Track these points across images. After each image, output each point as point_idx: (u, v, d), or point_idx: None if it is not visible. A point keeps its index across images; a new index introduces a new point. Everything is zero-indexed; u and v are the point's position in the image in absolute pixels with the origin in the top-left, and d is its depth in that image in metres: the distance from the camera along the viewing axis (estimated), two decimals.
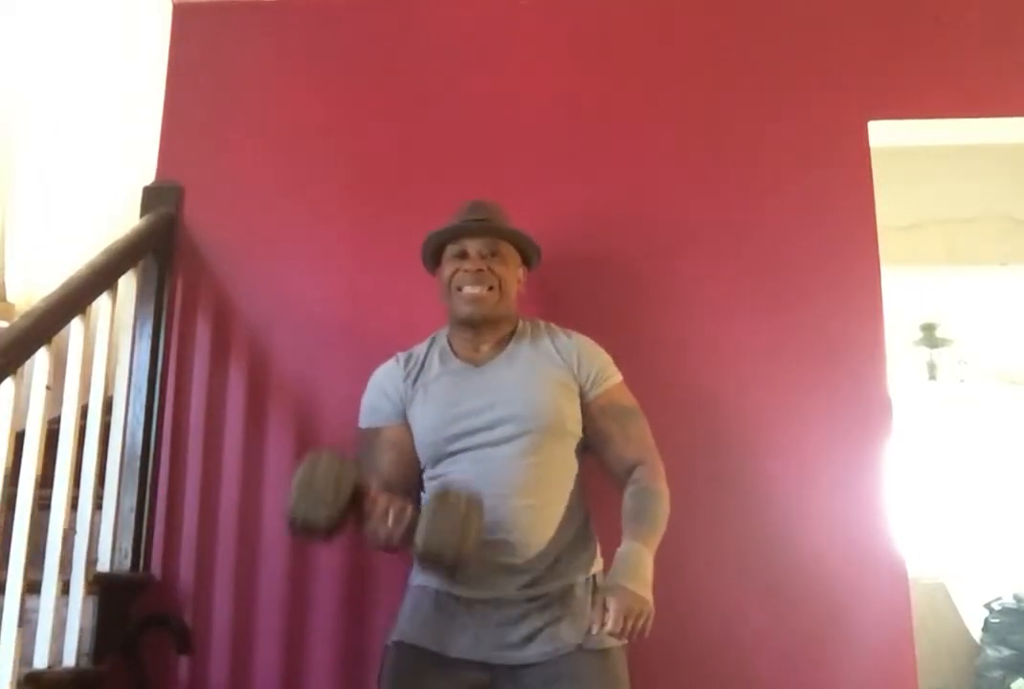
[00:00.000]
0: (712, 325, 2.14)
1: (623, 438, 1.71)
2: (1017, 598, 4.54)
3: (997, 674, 4.43)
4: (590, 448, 1.75)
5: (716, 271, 2.17)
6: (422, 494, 1.73)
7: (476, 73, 2.34)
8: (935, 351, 5.26)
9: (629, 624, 1.44)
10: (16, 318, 2.01)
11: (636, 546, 1.56)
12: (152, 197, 2.28)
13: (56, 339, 1.76)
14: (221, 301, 2.23)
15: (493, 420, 1.66)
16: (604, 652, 1.58)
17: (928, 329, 5.17)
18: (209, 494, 2.11)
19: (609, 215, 2.23)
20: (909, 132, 2.33)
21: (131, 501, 2.05)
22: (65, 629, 1.80)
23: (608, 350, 1.81)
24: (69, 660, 1.80)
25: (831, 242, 2.17)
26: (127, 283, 2.09)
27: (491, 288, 1.74)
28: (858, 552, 1.99)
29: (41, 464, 1.71)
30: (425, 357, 1.79)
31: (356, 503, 1.45)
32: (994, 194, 3.09)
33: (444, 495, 1.45)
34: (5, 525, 1.62)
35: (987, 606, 4.62)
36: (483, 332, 1.76)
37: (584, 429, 1.73)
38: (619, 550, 1.56)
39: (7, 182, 2.94)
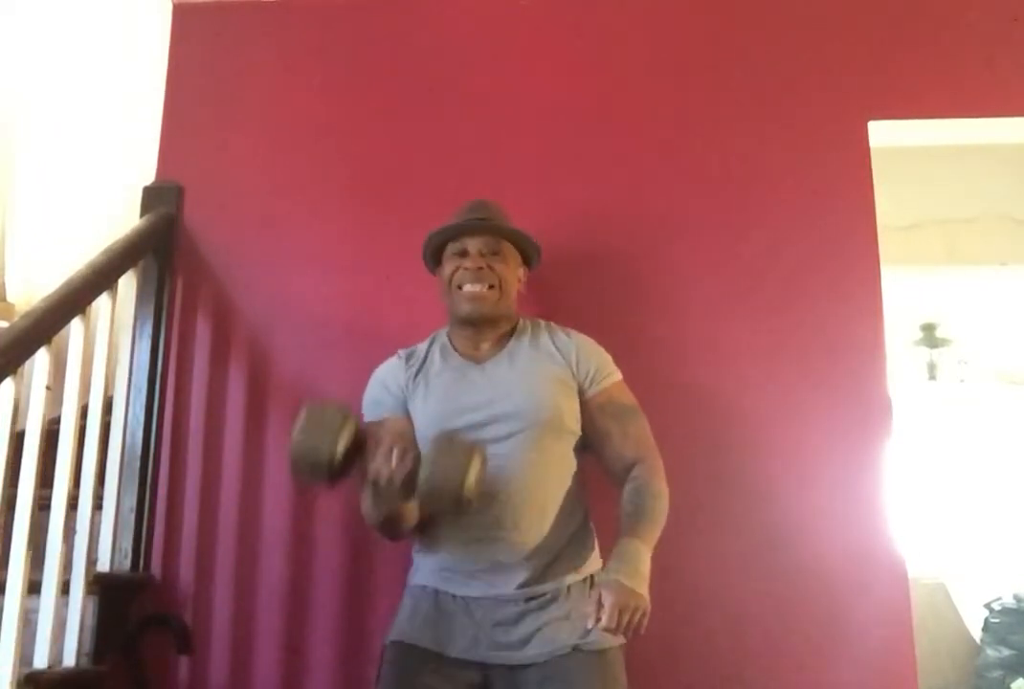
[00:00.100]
0: (712, 325, 2.14)
1: (622, 436, 1.71)
2: (1017, 598, 4.54)
3: (997, 674, 4.42)
4: (589, 447, 1.75)
5: (716, 271, 2.17)
6: None
7: (476, 73, 2.34)
8: (935, 351, 5.26)
9: (624, 620, 1.43)
10: (16, 318, 2.01)
11: (633, 542, 1.55)
12: (152, 197, 2.28)
13: (56, 339, 1.76)
14: (221, 301, 2.23)
15: (492, 416, 1.66)
16: (601, 653, 1.58)
17: (928, 329, 5.18)
18: (209, 494, 2.11)
19: (609, 215, 2.23)
20: (909, 132, 2.33)
21: (131, 501, 2.05)
22: (65, 629, 1.80)
23: (608, 350, 1.81)
24: (69, 660, 1.80)
25: (831, 242, 2.17)
26: (127, 283, 2.09)
27: (491, 286, 1.74)
28: (858, 552, 1.99)
29: (41, 464, 1.70)
30: (427, 353, 1.79)
31: (359, 446, 1.46)
32: (994, 194, 3.09)
33: (446, 437, 1.48)
34: (5, 525, 1.62)
35: (987, 606, 4.62)
36: (483, 330, 1.77)
37: (583, 427, 1.73)
38: (616, 545, 1.56)
39: (7, 182, 2.94)
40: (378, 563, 2.02)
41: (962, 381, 5.29)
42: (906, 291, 3.75)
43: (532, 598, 1.61)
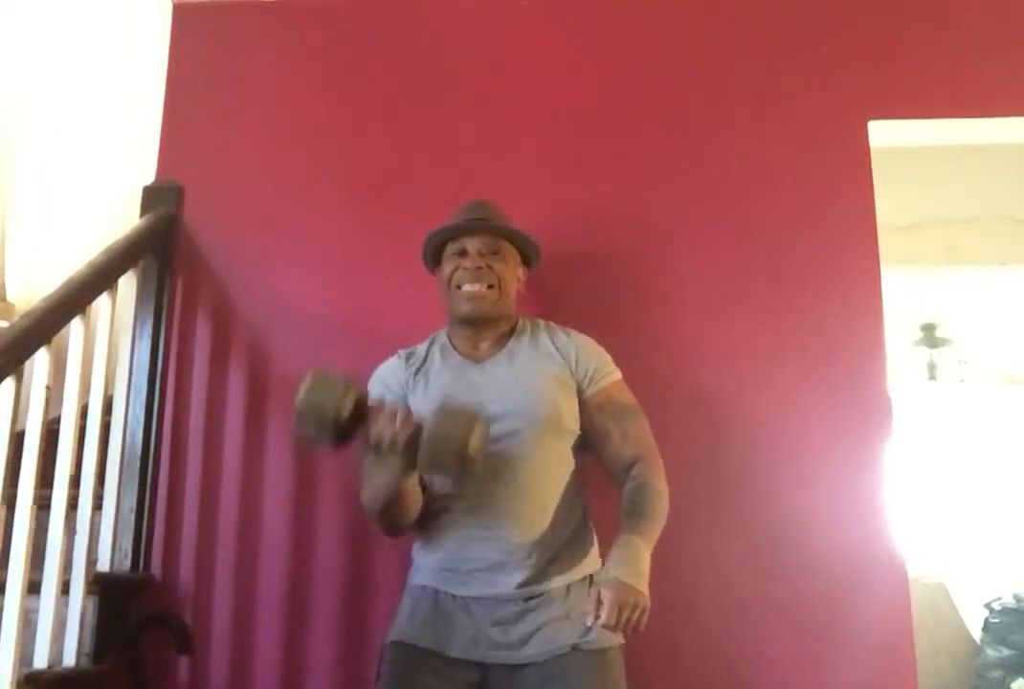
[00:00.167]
0: (712, 325, 2.14)
1: (621, 435, 1.71)
2: (1017, 598, 4.54)
3: (997, 674, 4.42)
4: (589, 446, 1.75)
5: (716, 271, 2.17)
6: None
7: (476, 73, 2.34)
8: (935, 351, 5.26)
9: (624, 617, 1.43)
10: (16, 318, 2.01)
11: (634, 539, 1.55)
12: (152, 197, 2.28)
13: (56, 339, 1.76)
14: (221, 301, 2.23)
15: (492, 416, 1.65)
16: (601, 652, 1.58)
17: (928, 329, 5.18)
18: (209, 494, 2.11)
19: (609, 215, 2.23)
20: (909, 132, 2.33)
21: (131, 501, 2.05)
22: (65, 629, 1.80)
23: (607, 350, 1.81)
24: (69, 660, 1.80)
25: (831, 242, 2.17)
26: (127, 283, 2.09)
27: (490, 286, 1.74)
28: (858, 552, 1.99)
29: (41, 464, 1.70)
30: (427, 353, 1.80)
31: (362, 413, 1.48)
32: (994, 194, 3.09)
33: (448, 402, 1.52)
34: (5, 525, 1.62)
35: (987, 606, 4.62)
36: (482, 330, 1.77)
37: (582, 427, 1.73)
38: (616, 543, 1.55)
39: (7, 182, 2.94)
40: (378, 563, 2.02)
41: (962, 381, 5.29)
42: (906, 291, 3.74)
43: (531, 598, 1.61)
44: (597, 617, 1.43)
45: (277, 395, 2.15)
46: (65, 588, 1.79)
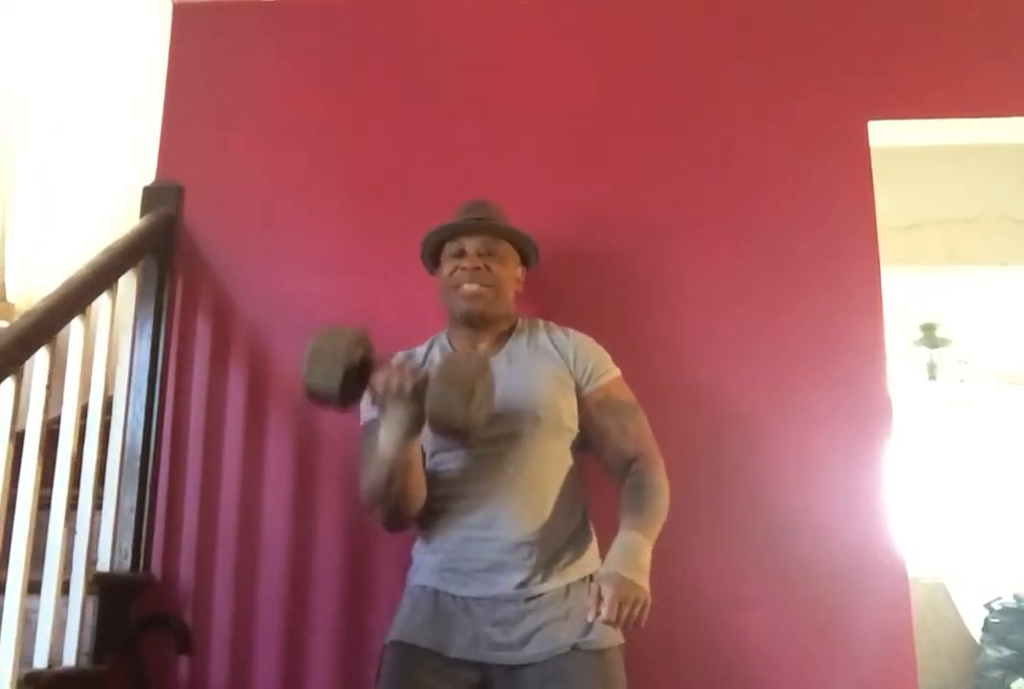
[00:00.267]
0: (712, 325, 2.14)
1: (620, 432, 1.71)
2: (1017, 598, 4.54)
3: (997, 674, 4.42)
4: (588, 444, 1.75)
5: (716, 271, 2.17)
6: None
7: (476, 73, 2.34)
8: (935, 351, 5.26)
9: (624, 613, 1.43)
10: (16, 318, 2.01)
11: (634, 535, 1.55)
12: (152, 197, 2.27)
13: (56, 339, 1.76)
14: (221, 301, 2.23)
15: (491, 416, 1.66)
16: (601, 652, 1.58)
17: (928, 329, 5.18)
18: (209, 494, 2.11)
19: (608, 215, 2.23)
20: (909, 132, 2.33)
21: (131, 501, 2.05)
22: (65, 629, 1.80)
23: (607, 349, 1.81)
24: (69, 660, 1.80)
25: (831, 242, 2.17)
26: (127, 283, 2.09)
27: (488, 286, 1.74)
28: (858, 552, 1.99)
29: (41, 464, 1.70)
30: (427, 354, 1.80)
31: (369, 364, 1.52)
32: (994, 194, 3.09)
33: (454, 356, 1.58)
34: (5, 525, 1.62)
35: (987, 606, 4.62)
36: (481, 330, 1.77)
37: (581, 425, 1.73)
38: (616, 539, 1.55)
39: (7, 182, 2.94)
40: (378, 563, 2.02)
41: (962, 381, 5.29)
42: (906, 291, 3.75)
43: (531, 598, 1.60)
44: (598, 613, 1.43)
45: (277, 395, 2.15)
46: (65, 588, 1.79)
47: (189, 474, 2.12)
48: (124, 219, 2.38)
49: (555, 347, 1.77)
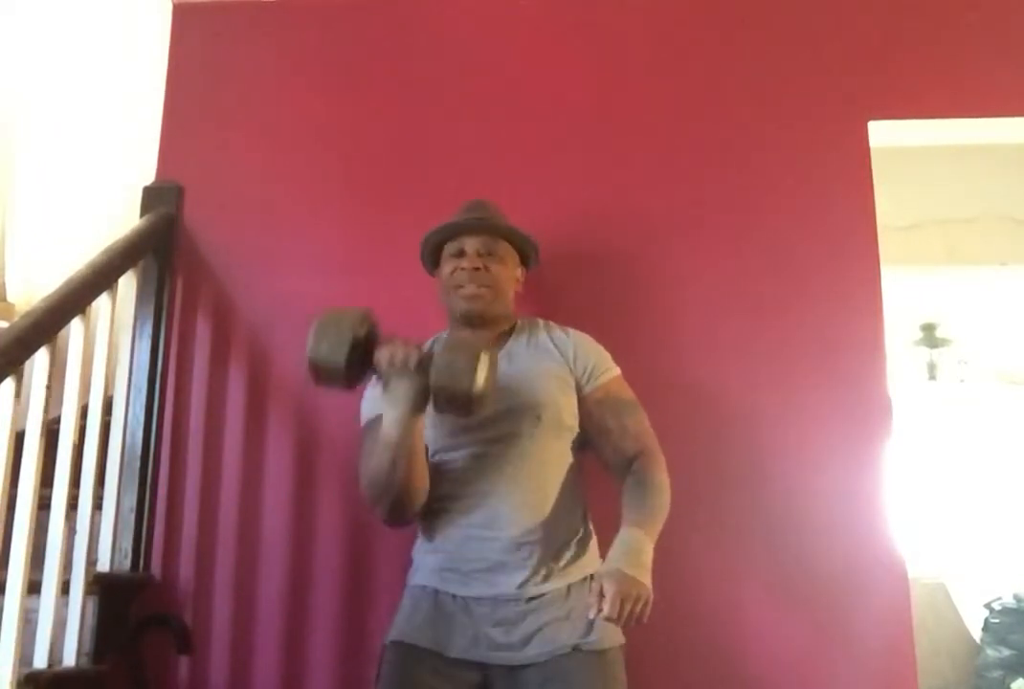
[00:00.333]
0: (712, 325, 2.14)
1: (621, 430, 1.71)
2: (1017, 598, 4.54)
3: (997, 674, 4.42)
4: (589, 443, 1.75)
5: (716, 271, 2.17)
6: None
7: (476, 73, 2.34)
8: (935, 351, 5.26)
9: (627, 609, 1.42)
10: (16, 318, 2.01)
11: (635, 532, 1.55)
12: (152, 197, 2.27)
13: (56, 339, 1.76)
14: (221, 301, 2.23)
15: (493, 415, 1.66)
16: (601, 653, 1.58)
17: (928, 329, 5.18)
18: (209, 494, 2.11)
19: (608, 215, 2.23)
20: (909, 132, 2.33)
21: (131, 501, 2.05)
22: (65, 629, 1.80)
23: (607, 349, 1.81)
24: (69, 660, 1.80)
25: (831, 242, 2.17)
26: (127, 283, 2.09)
27: (488, 287, 1.74)
28: (858, 552, 1.99)
29: (41, 464, 1.70)
30: None
31: (374, 341, 1.55)
32: (994, 194, 3.09)
33: (460, 333, 1.62)
34: (5, 525, 1.62)
35: (987, 606, 4.62)
36: (481, 330, 1.76)
37: (582, 423, 1.73)
38: (618, 536, 1.55)
39: (7, 182, 2.94)
40: (378, 563, 2.02)
41: (962, 381, 5.29)
42: (906, 291, 3.75)
43: (532, 598, 1.60)
44: (600, 610, 1.43)
45: (277, 395, 2.15)
46: (65, 588, 1.79)
47: (189, 474, 2.12)
48: (124, 219, 2.38)
49: (555, 346, 1.77)
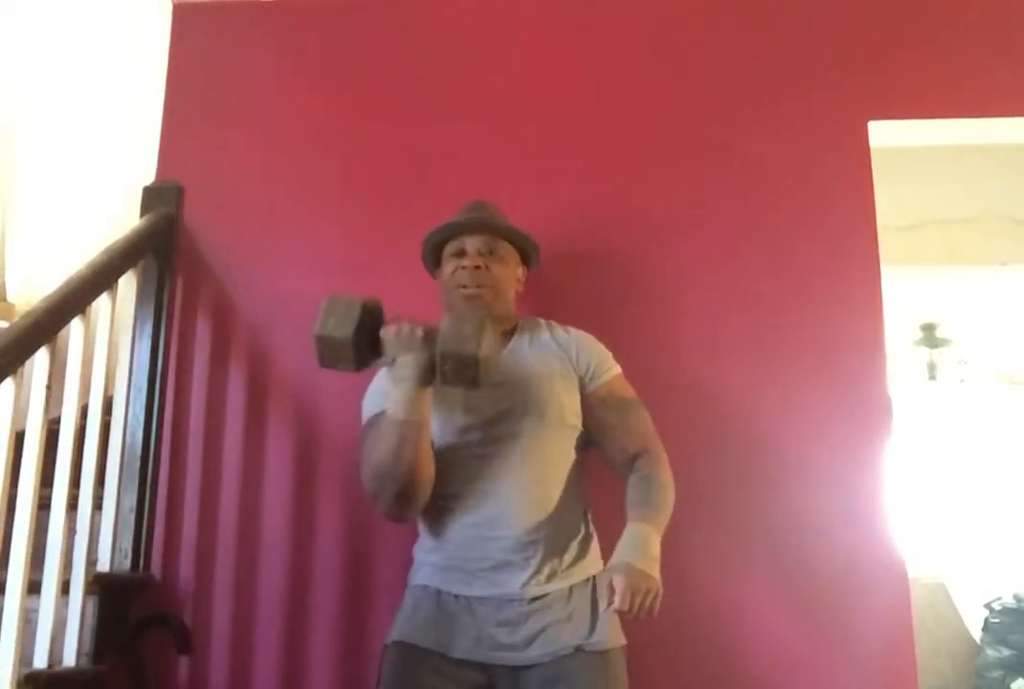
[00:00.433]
0: (712, 325, 2.14)
1: (624, 428, 1.71)
2: (1017, 598, 4.54)
3: (997, 674, 4.42)
4: (592, 441, 1.75)
5: (716, 271, 2.17)
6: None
7: (476, 73, 2.34)
8: (935, 351, 5.26)
9: (637, 602, 1.43)
10: (16, 318, 2.01)
11: (643, 527, 1.55)
12: (152, 197, 2.27)
13: (56, 339, 1.76)
14: (221, 301, 2.23)
15: (496, 414, 1.66)
16: (603, 654, 1.58)
17: (928, 329, 5.18)
18: (209, 494, 2.11)
19: (608, 214, 2.23)
20: (909, 132, 2.33)
21: (131, 501, 2.05)
22: (65, 629, 1.79)
23: (607, 349, 1.81)
24: (69, 660, 1.79)
25: (831, 242, 2.17)
26: (127, 283, 2.09)
27: (489, 286, 1.75)
28: (858, 552, 1.99)
29: (41, 464, 1.70)
30: None
31: (379, 321, 1.60)
32: (994, 194, 3.10)
33: (461, 309, 1.68)
34: (5, 525, 1.62)
35: (987, 606, 4.62)
36: None
37: (584, 422, 1.73)
38: (625, 531, 1.56)
39: (7, 182, 2.94)
40: (378, 563, 2.02)
41: (962, 381, 5.29)
42: (906, 291, 3.75)
43: (536, 598, 1.60)
44: (610, 603, 1.43)
45: (277, 395, 2.15)
46: (65, 588, 1.78)
47: (189, 474, 2.12)
48: (124, 219, 2.38)
49: (558, 345, 1.77)
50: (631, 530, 1.55)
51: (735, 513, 2.02)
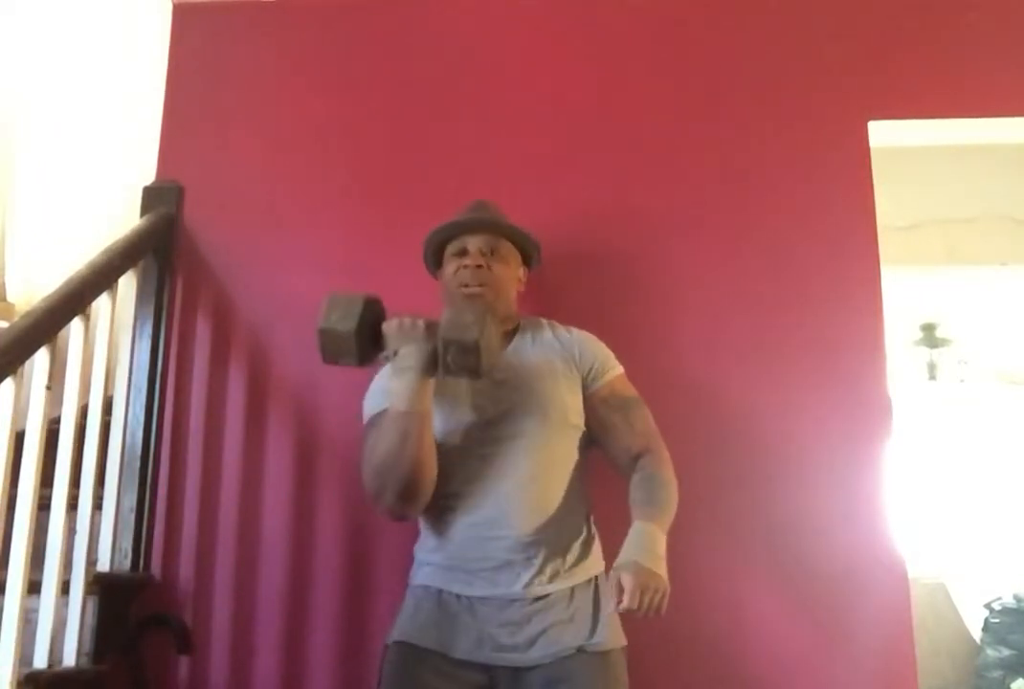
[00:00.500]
0: (712, 325, 2.14)
1: (627, 428, 1.72)
2: (1017, 598, 4.54)
3: (997, 674, 4.42)
4: (595, 440, 1.75)
5: (716, 271, 2.17)
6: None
7: (476, 73, 2.34)
8: (935, 351, 5.26)
9: (646, 601, 1.43)
10: (16, 318, 2.01)
11: (648, 526, 1.55)
12: (152, 197, 2.27)
13: (56, 339, 1.76)
14: (221, 301, 2.23)
15: (499, 414, 1.66)
16: (604, 654, 1.58)
17: (928, 329, 5.18)
18: (209, 494, 2.11)
19: (609, 215, 2.23)
20: (909, 132, 2.33)
21: (131, 501, 2.05)
22: (65, 629, 1.79)
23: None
24: (69, 660, 1.79)
25: (831, 242, 2.17)
26: (127, 283, 2.09)
27: (490, 286, 1.75)
28: (858, 552, 1.99)
29: (41, 464, 1.70)
30: None
31: (380, 316, 1.61)
32: (994, 194, 3.10)
33: (462, 300, 1.69)
34: (5, 525, 1.62)
35: (987, 606, 4.62)
36: None
37: (587, 421, 1.73)
38: (631, 530, 1.56)
39: (7, 182, 2.94)
40: (378, 563, 2.02)
41: (962, 381, 5.29)
42: (906, 291, 3.75)
43: (538, 598, 1.60)
44: (619, 602, 1.43)
45: (277, 395, 2.15)
46: (65, 588, 1.78)
47: (189, 474, 2.12)
48: (124, 219, 2.37)
49: (560, 345, 1.78)
50: (637, 529, 1.55)
51: (735, 513, 2.02)
